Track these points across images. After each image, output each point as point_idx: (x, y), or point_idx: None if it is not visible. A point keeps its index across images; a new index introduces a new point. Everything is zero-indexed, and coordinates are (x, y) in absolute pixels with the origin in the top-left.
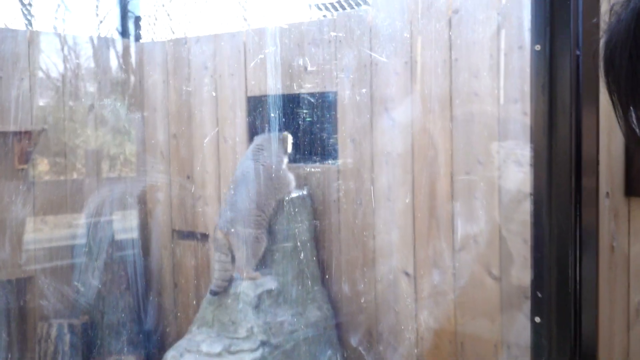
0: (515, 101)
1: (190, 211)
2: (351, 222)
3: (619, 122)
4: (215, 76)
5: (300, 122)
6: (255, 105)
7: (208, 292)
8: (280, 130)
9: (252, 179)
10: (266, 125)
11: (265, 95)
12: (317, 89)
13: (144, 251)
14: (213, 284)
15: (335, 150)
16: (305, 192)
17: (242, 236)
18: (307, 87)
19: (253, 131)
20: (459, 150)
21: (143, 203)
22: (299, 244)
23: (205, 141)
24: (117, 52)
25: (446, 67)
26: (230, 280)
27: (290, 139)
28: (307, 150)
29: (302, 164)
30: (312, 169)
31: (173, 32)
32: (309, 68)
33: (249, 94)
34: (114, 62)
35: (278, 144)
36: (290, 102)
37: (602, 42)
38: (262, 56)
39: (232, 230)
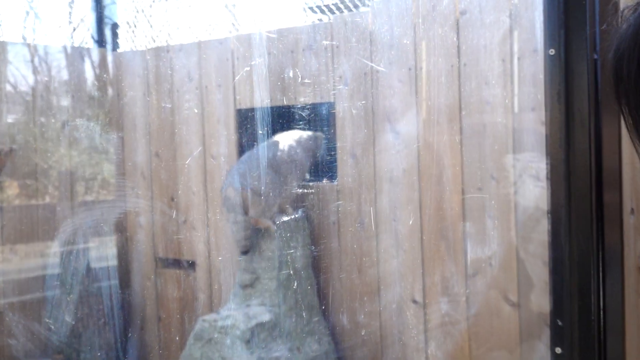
0: (530, 110)
1: (174, 237)
2: (352, 246)
3: (630, 134)
4: (201, 87)
5: (292, 137)
6: (245, 119)
7: (239, 253)
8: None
9: (268, 153)
10: (257, 141)
11: (255, 108)
12: (313, 101)
13: (124, 282)
14: (240, 246)
15: (334, 168)
16: (300, 214)
17: (257, 191)
18: (301, 99)
19: (243, 147)
20: (470, 165)
21: (122, 229)
22: (294, 271)
23: (187, 161)
24: (92, 63)
25: (453, 74)
26: (253, 237)
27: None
28: (302, 168)
29: (298, 182)
30: (309, 189)
31: (154, 40)
32: (303, 78)
33: (238, 107)
34: (89, 74)
35: (307, 143)
36: (283, 115)
37: (611, 50)
38: (251, 66)
39: (247, 185)
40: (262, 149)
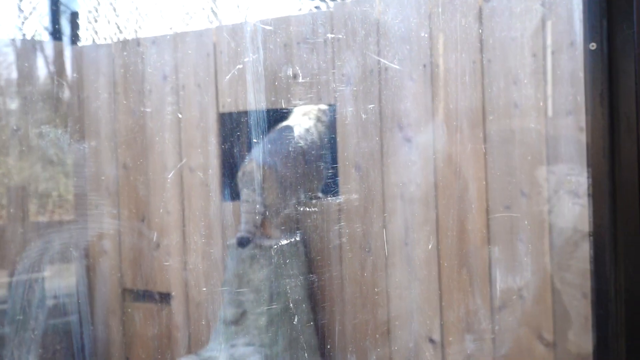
0: (567, 114)
1: (146, 264)
2: (358, 275)
3: None
4: (178, 88)
5: (288, 147)
6: (230, 125)
7: (235, 243)
8: (265, 155)
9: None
10: (244, 149)
11: (242, 112)
12: (310, 104)
13: (84, 318)
14: (243, 230)
15: (336, 183)
16: (297, 238)
17: (281, 174)
18: (296, 101)
19: (228, 158)
20: (496, 179)
21: (83, 255)
22: (291, 304)
23: (161, 175)
24: (47, 59)
25: (476, 72)
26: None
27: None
28: (299, 183)
29: (294, 201)
30: (307, 208)
31: (121, 32)
32: (298, 77)
33: (222, 110)
34: (42, 72)
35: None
36: (276, 120)
37: None
38: (240, 63)
39: (271, 162)
40: (292, 132)
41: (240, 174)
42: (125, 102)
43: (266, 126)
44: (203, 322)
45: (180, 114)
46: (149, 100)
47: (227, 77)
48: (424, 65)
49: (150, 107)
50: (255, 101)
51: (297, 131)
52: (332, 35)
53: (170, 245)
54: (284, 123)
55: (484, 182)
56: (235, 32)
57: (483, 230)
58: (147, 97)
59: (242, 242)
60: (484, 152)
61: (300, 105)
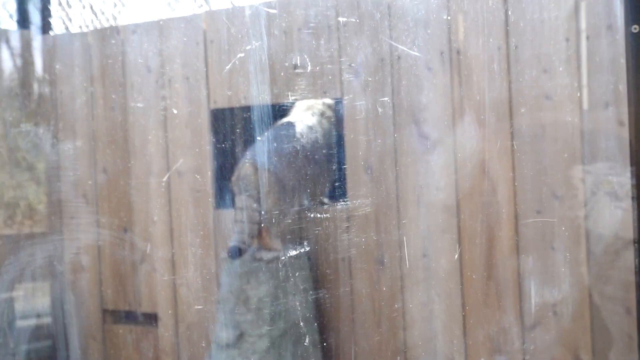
0: (606, 105)
1: (130, 281)
2: (372, 291)
3: None
4: (163, 81)
5: (290, 146)
6: (224, 123)
7: (226, 253)
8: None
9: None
10: (238, 148)
11: (237, 108)
12: (313, 97)
13: (60, 343)
14: (234, 239)
15: (345, 187)
16: (301, 249)
17: (282, 177)
18: (299, 94)
19: (222, 160)
20: (526, 179)
21: (58, 272)
22: (294, 325)
23: (146, 179)
24: (13, 50)
25: (502, 60)
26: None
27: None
28: (303, 187)
29: (296, 208)
30: (312, 215)
31: (98, 19)
32: (298, 66)
33: (213, 106)
34: (8, 65)
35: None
36: (276, 117)
37: None
38: (240, 51)
39: (271, 164)
40: (295, 130)
41: (235, 177)
42: (104, 98)
43: (265, 123)
44: (195, 346)
45: (168, 110)
46: (132, 96)
47: (228, 67)
48: (445, 52)
49: (133, 103)
50: (252, 96)
51: (301, 128)
52: (342, 19)
53: (158, 259)
54: (285, 119)
55: (513, 184)
56: (228, 17)
57: (513, 238)
58: (129, 92)
59: (234, 253)
60: (513, 149)
61: (304, 98)
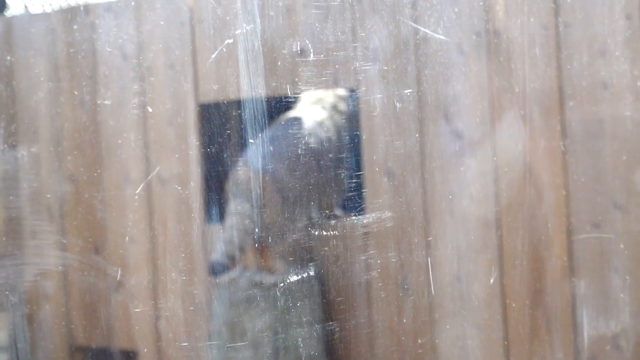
0: None
1: (102, 313)
2: (394, 322)
3: None
4: (142, 70)
5: (296, 148)
6: (216, 120)
7: (207, 269)
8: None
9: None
10: (238, 154)
11: (232, 102)
12: (325, 89)
13: None
14: (218, 252)
15: (361, 196)
16: (310, 272)
17: (285, 184)
18: (306, 86)
19: (214, 165)
20: (580, 187)
21: (17, 301)
22: None
23: (122, 190)
24: None
25: (550, 42)
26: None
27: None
28: (310, 197)
29: (302, 221)
30: (322, 230)
31: None
32: (306, 53)
33: (202, 99)
34: None
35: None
36: (278, 112)
37: None
38: (229, 36)
39: (273, 169)
40: (301, 128)
41: (229, 184)
42: (69, 90)
43: (265, 120)
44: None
45: (145, 105)
46: (106, 88)
47: (213, 56)
48: (479, 34)
49: (107, 98)
50: (250, 87)
51: (308, 126)
52: None
53: (137, 284)
54: (290, 116)
55: (564, 192)
56: None
57: (563, 257)
58: (102, 84)
59: (216, 269)
60: (563, 150)
61: (311, 91)
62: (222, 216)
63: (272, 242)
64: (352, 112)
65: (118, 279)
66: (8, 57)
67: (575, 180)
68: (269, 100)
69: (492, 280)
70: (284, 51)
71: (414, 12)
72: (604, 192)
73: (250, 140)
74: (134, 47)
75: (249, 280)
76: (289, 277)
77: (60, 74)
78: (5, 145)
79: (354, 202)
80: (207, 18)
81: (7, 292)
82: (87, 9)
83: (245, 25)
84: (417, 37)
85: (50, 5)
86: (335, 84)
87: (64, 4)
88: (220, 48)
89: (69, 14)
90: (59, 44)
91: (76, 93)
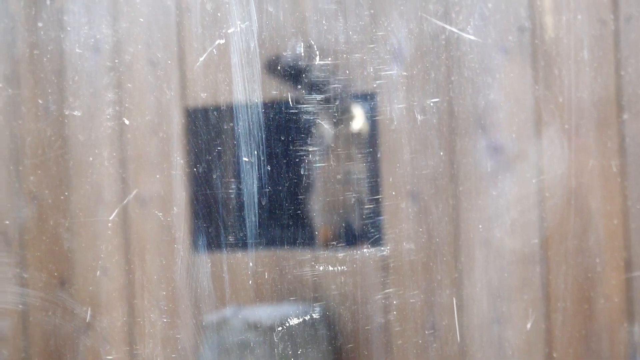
0: None
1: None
2: None
3: None
4: (120, 68)
5: (302, 166)
6: (201, 133)
7: None
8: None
9: None
10: (231, 174)
11: (220, 112)
12: (337, 97)
13: None
14: None
15: (377, 224)
16: (317, 314)
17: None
18: (312, 94)
19: (202, 186)
20: (636, 214)
21: None
22: None
23: (94, 213)
24: None
25: (605, 41)
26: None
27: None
28: (317, 224)
29: (307, 252)
30: (330, 264)
31: None
32: (317, 53)
33: (189, 104)
34: None
35: None
36: (280, 123)
37: None
38: (220, 36)
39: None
40: (305, 143)
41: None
42: (31, 91)
43: (262, 134)
44: None
45: (122, 110)
46: (75, 97)
47: (202, 59)
48: (517, 33)
49: (76, 108)
50: (244, 95)
51: (314, 141)
52: None
53: (110, 327)
54: (292, 128)
55: (616, 221)
56: None
57: (615, 298)
58: (70, 92)
59: None
60: (618, 170)
61: (319, 98)
62: (210, 246)
63: (269, 277)
64: (368, 125)
65: (87, 320)
66: None
67: (630, 206)
68: (266, 110)
69: (530, 325)
70: (285, 53)
71: (440, 7)
72: None
73: (245, 159)
74: (108, 48)
75: (242, 321)
76: (290, 319)
77: (18, 71)
78: None
79: (368, 231)
80: (195, 14)
81: None
82: (55, 2)
83: (239, 22)
84: (444, 37)
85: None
86: (347, 91)
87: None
88: (210, 49)
89: (34, 9)
90: (19, 34)
91: (40, 102)
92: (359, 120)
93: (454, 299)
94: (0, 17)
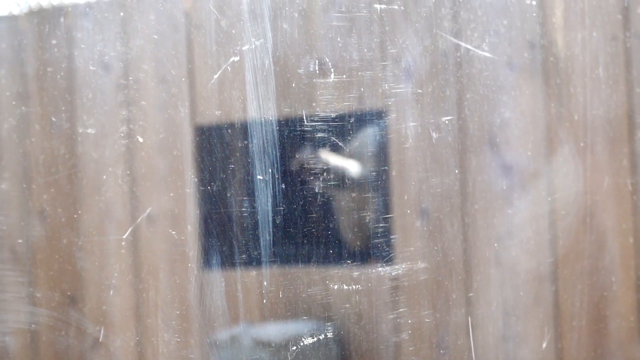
0: None
1: None
2: None
3: None
4: (128, 84)
5: (312, 184)
6: (215, 151)
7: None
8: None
9: None
10: (244, 192)
11: (234, 130)
12: (348, 115)
13: None
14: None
15: (389, 243)
16: (328, 334)
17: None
18: (326, 111)
19: (214, 204)
20: None
21: None
22: None
23: (104, 232)
24: None
25: (617, 58)
26: None
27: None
28: (329, 243)
29: (321, 270)
30: (342, 283)
31: None
32: (325, 69)
33: (203, 122)
34: None
35: None
36: (291, 143)
37: None
38: (234, 53)
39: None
40: (318, 162)
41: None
42: (41, 109)
43: (277, 152)
44: None
45: (130, 127)
46: (88, 115)
47: (216, 76)
48: (531, 51)
49: (89, 126)
50: (259, 113)
51: (326, 160)
52: (382, 6)
53: (123, 346)
54: (304, 147)
55: (631, 240)
56: None
57: (630, 317)
58: (84, 110)
59: None
60: (631, 189)
61: (332, 116)
62: (223, 264)
63: (284, 296)
64: (379, 142)
65: (100, 339)
66: None
67: None
68: (281, 128)
69: (544, 344)
70: (300, 70)
71: (455, 24)
72: None
73: (259, 177)
74: (117, 55)
75: (256, 340)
76: (302, 338)
77: (27, 89)
78: None
79: (380, 250)
80: (209, 31)
81: None
82: (60, 10)
83: (254, 39)
84: (458, 54)
85: (19, 5)
86: (360, 108)
87: (34, 5)
88: (224, 67)
89: (42, 17)
90: (28, 55)
91: (53, 120)
92: (373, 138)
93: (469, 317)
94: (13, 35)
